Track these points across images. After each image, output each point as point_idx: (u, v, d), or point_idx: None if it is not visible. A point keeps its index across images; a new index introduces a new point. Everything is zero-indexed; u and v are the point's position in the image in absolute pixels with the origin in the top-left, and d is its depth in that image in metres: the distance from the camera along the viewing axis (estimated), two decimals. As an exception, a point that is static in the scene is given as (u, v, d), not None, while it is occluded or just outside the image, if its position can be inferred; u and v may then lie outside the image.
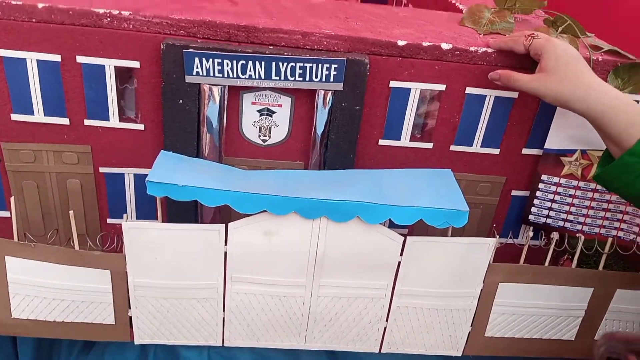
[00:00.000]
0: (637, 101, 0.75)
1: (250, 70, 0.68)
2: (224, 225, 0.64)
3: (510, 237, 0.83)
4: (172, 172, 0.63)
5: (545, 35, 0.69)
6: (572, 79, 0.65)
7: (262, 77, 0.69)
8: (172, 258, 0.65)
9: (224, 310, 0.70)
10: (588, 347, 0.80)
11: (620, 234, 0.83)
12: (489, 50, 0.74)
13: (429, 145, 0.80)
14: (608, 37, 0.84)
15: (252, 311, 0.70)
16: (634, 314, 0.78)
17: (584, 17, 0.92)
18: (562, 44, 0.68)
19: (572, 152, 0.79)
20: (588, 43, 0.79)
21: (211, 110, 0.71)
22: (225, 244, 0.65)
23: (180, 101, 0.70)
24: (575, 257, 0.74)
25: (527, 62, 0.73)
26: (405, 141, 0.79)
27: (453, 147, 0.80)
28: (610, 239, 0.74)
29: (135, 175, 0.77)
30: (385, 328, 0.74)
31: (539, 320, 0.77)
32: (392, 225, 0.72)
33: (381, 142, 0.78)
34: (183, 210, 0.74)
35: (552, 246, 0.73)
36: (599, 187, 0.80)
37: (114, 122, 0.73)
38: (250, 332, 0.72)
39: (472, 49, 0.73)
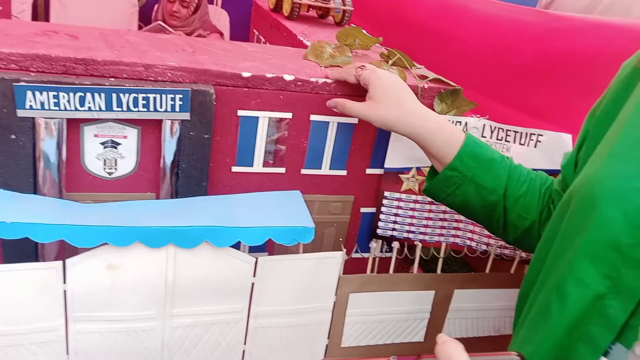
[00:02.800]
0: (460, 122, 0.86)
1: (89, 102, 0.67)
2: (61, 262, 0.61)
3: (357, 250, 0.89)
4: (1, 209, 0.60)
5: (373, 67, 0.77)
6: (396, 106, 0.73)
7: (103, 108, 0.68)
8: (5, 302, 0.61)
9: (67, 353, 0.66)
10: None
11: (458, 240, 0.92)
12: (329, 80, 0.80)
13: (282, 170, 0.84)
14: (440, 69, 0.95)
15: (100, 351, 0.67)
16: (473, 311, 0.86)
17: (419, 51, 1.03)
18: (387, 74, 0.75)
19: (409, 169, 0.88)
20: (417, 73, 0.89)
21: (48, 145, 0.68)
22: (65, 282, 0.62)
23: (13, 136, 0.67)
24: (415, 263, 0.81)
25: (363, 90, 0.80)
26: (258, 167, 0.82)
27: (304, 171, 0.85)
28: (444, 245, 0.82)
29: (-36, 216, 0.71)
30: (244, 351, 0.75)
31: (390, 325, 0.82)
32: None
33: (234, 169, 0.81)
34: (21, 251, 0.70)
35: (394, 255, 0.79)
36: (435, 199, 0.90)
37: (-64, 160, 0.67)
38: (100, 373, 0.69)
39: (312, 79, 0.79)
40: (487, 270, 0.85)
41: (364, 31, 0.93)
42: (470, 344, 0.88)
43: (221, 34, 2.06)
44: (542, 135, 0.84)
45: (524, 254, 0.86)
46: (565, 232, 0.55)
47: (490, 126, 0.87)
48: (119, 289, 0.65)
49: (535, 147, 0.85)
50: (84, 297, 0.63)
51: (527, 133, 0.85)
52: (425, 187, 0.77)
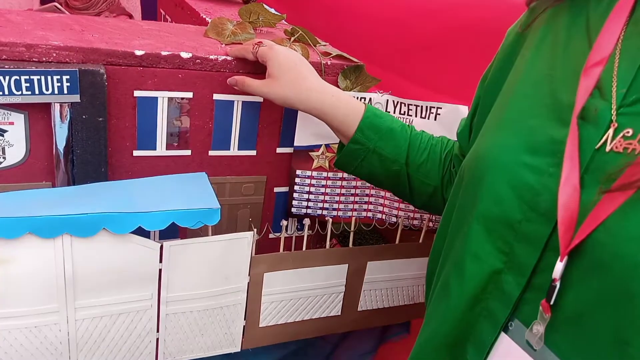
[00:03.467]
0: (364, 98, 0.88)
1: (-36, 87, 0.62)
2: (-59, 259, 0.56)
3: (269, 230, 0.89)
4: None
5: (270, 43, 0.77)
6: (294, 83, 0.73)
7: (-19, 93, 0.63)
8: None
9: (-41, 357, 0.62)
10: (354, 319, 0.89)
11: (369, 214, 0.95)
12: (229, 58, 0.79)
13: (187, 152, 0.82)
14: (344, 46, 0.96)
15: (0, 350, 0.63)
16: (386, 281, 0.89)
17: (324, 28, 1.04)
18: (285, 50, 0.75)
19: (318, 147, 0.89)
20: (320, 50, 0.90)
21: None
22: (-52, 280, 0.58)
23: None
24: (327, 238, 0.82)
25: (264, 68, 0.79)
26: (161, 150, 0.80)
27: (211, 152, 0.84)
28: (353, 219, 0.84)
29: None
30: (157, 339, 0.73)
31: (307, 301, 0.83)
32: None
33: (136, 152, 0.78)
34: None
35: (306, 231, 0.80)
36: (345, 175, 0.91)
37: None
38: (-1, 375, 0.64)
39: (212, 57, 0.77)
40: (397, 241, 0.88)
41: (268, 7, 0.92)
42: (386, 313, 0.92)
43: (130, 15, 1.96)
44: (440, 107, 0.88)
45: (430, 224, 0.90)
46: (460, 207, 0.56)
47: (393, 101, 0.89)
48: (12, 284, 0.61)
49: (435, 119, 0.88)
50: (-29, 295, 0.59)
51: (427, 107, 0.88)
52: (335, 161, 0.79)
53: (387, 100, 0.89)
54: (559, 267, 0.43)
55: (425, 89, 1.01)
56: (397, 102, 0.89)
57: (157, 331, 0.72)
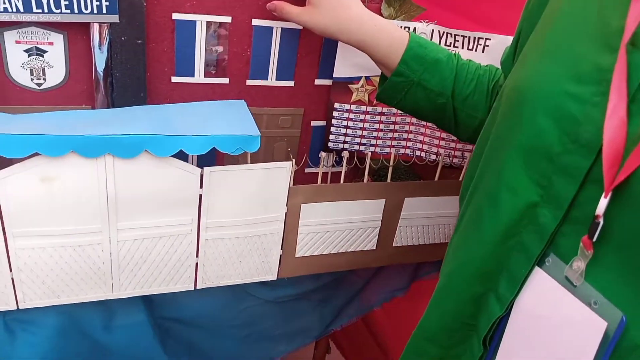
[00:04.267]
0: (408, 28, 0.84)
1: (4, 2, 0.61)
2: (-10, 174, 0.57)
3: (306, 162, 0.88)
4: None
5: None
6: (335, 12, 0.69)
7: (21, 9, 0.62)
8: None
9: (10, 270, 0.64)
10: (388, 255, 0.89)
11: (408, 151, 0.93)
12: (269, -19, 0.75)
13: (225, 81, 0.80)
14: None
15: (45, 267, 0.65)
16: (422, 218, 0.88)
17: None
18: None
19: (358, 79, 0.86)
20: (364, -24, 0.85)
21: (-36, 52, 0.62)
22: (-3, 196, 0.59)
23: None
24: (366, 172, 0.81)
25: (306, -7, 0.76)
26: (199, 77, 0.78)
27: (249, 82, 0.82)
28: (393, 154, 0.82)
29: None
30: (197, 264, 0.74)
31: (343, 234, 0.83)
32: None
33: (174, 79, 0.77)
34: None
35: (344, 164, 0.79)
36: (385, 110, 0.89)
37: None
38: (47, 290, 0.67)
39: (251, -21, 0.74)
40: (437, 179, 0.86)
41: None
42: (421, 250, 0.91)
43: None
44: (489, 38, 0.83)
45: (471, 160, 0.87)
46: (496, 136, 0.53)
47: (439, 31, 0.85)
48: (57, 202, 0.62)
49: (483, 51, 0.84)
50: (21, 211, 0.60)
51: (475, 37, 0.84)
52: (377, 94, 0.76)
53: (432, 31, 0.85)
54: (603, 203, 0.40)
55: (469, 20, 0.96)
56: (443, 33, 0.85)
57: (197, 256, 0.73)
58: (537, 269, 0.47)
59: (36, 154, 0.58)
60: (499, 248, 0.50)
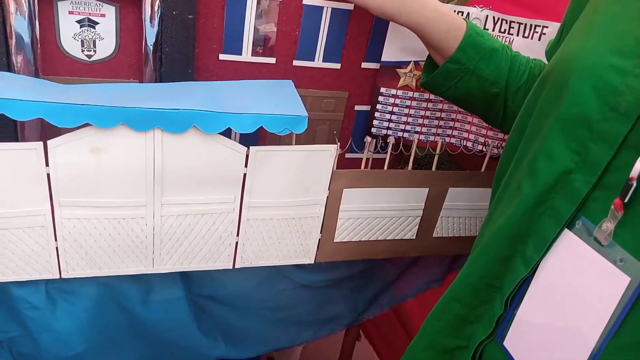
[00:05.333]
0: (462, 12, 0.81)
1: (60, -28, 0.61)
2: (41, 143, 0.58)
3: (352, 148, 0.86)
4: (-30, 84, 0.55)
5: None
6: None
7: (76, -21, 0.62)
8: (-17, 184, 0.58)
9: (56, 240, 0.64)
10: (428, 245, 0.87)
11: (453, 140, 0.90)
12: (323, -42, 0.74)
13: (272, 60, 0.79)
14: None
15: (89, 238, 0.66)
16: (465, 210, 0.86)
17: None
18: None
19: (407, 63, 0.84)
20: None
21: (19, 21, 0.62)
22: (47, 164, 0.59)
23: (-22, 8, 0.60)
24: (411, 160, 0.79)
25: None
26: (247, 56, 0.77)
27: (296, 62, 0.80)
28: (440, 142, 0.80)
29: None
30: (237, 243, 0.74)
31: (383, 222, 0.82)
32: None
33: (222, 56, 0.76)
34: (-2, 133, 0.66)
35: (389, 150, 0.77)
36: (432, 97, 0.86)
37: None
38: (90, 261, 0.67)
39: (305, -44, 0.72)
40: (483, 169, 0.83)
41: None
42: (461, 242, 0.89)
43: None
44: (547, 27, 0.80)
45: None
46: (539, 112, 0.54)
47: (494, 17, 0.82)
48: (104, 174, 0.62)
49: (539, 39, 0.81)
50: (69, 181, 0.61)
51: (531, 25, 0.81)
52: (422, 80, 0.74)
53: (487, 16, 0.82)
54: (638, 166, 0.42)
55: (523, 7, 0.93)
56: (498, 19, 0.82)
57: (237, 235, 0.73)
58: (565, 231, 0.49)
59: (86, 125, 0.58)
60: (531, 212, 0.51)
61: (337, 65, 0.83)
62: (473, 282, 0.57)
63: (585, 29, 0.52)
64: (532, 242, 0.51)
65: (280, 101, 0.69)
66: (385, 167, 0.79)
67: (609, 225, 0.44)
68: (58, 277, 0.67)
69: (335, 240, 0.80)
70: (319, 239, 0.79)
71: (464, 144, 0.89)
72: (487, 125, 0.87)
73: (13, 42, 0.63)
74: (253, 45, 0.77)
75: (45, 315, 0.72)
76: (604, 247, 0.45)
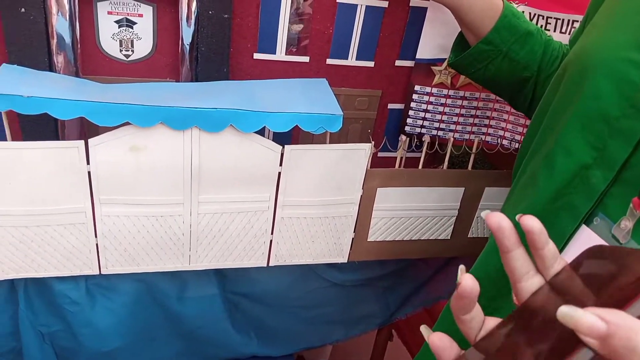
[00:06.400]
0: None
1: (101, -27, 0.62)
2: (82, 141, 0.59)
3: (385, 146, 0.85)
4: (16, 84, 0.57)
5: None
6: None
7: (116, -19, 0.63)
8: (28, 181, 0.59)
9: (96, 236, 0.66)
10: (463, 245, 0.86)
11: (488, 138, 0.89)
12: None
13: (306, 59, 0.79)
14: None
15: (128, 235, 0.67)
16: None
17: None
18: None
19: (442, 61, 0.83)
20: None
21: (60, 21, 0.64)
22: (88, 163, 0.60)
23: (22, 9, 0.62)
24: (446, 158, 0.78)
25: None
26: (281, 54, 0.77)
27: (329, 61, 0.80)
28: (477, 140, 0.79)
29: (-21, 100, 0.68)
30: (271, 241, 0.74)
31: (417, 221, 0.81)
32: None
33: (256, 55, 0.76)
34: (40, 130, 0.68)
35: (425, 149, 0.76)
36: (467, 94, 0.85)
37: (-57, 37, 0.64)
38: (128, 257, 0.69)
39: (339, -47, 0.72)
40: (519, 167, 0.81)
41: None
42: (496, 242, 0.87)
43: None
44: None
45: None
46: (557, 103, 0.54)
47: (529, 13, 0.80)
48: (143, 172, 0.63)
49: (579, 35, 0.78)
50: (109, 179, 0.62)
51: (569, 20, 0.79)
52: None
53: (522, 12, 0.80)
54: None
55: (559, 3, 0.90)
56: (534, 15, 0.80)
57: (271, 233, 0.73)
58: (583, 227, 0.48)
59: (126, 124, 0.59)
60: (549, 207, 0.51)
61: (371, 63, 0.82)
62: (490, 272, 0.57)
63: (606, 20, 0.51)
64: (550, 237, 0.51)
65: (315, 100, 0.69)
66: (420, 166, 0.78)
67: (627, 223, 0.44)
68: (98, 273, 0.68)
69: (368, 240, 0.79)
70: (352, 238, 0.78)
71: (500, 142, 0.87)
72: (523, 122, 0.85)
73: (54, 42, 0.65)
74: (287, 44, 0.77)
75: (84, 310, 0.73)
76: (623, 245, 0.44)
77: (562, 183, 0.49)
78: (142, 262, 0.69)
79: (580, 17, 0.77)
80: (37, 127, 0.67)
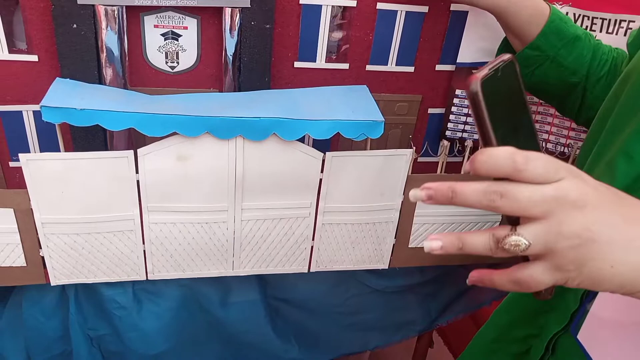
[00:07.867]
0: None
1: (148, -12, 0.64)
2: (132, 151, 0.61)
3: (426, 150, 0.85)
4: (69, 97, 0.59)
5: None
6: None
7: (162, -5, 0.65)
8: (79, 190, 0.61)
9: (143, 243, 0.68)
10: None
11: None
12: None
13: (345, 66, 0.79)
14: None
15: (174, 241, 0.68)
16: (545, 215, 0.82)
17: None
18: None
19: (483, 64, 0.81)
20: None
21: (110, 36, 0.66)
22: (137, 172, 0.62)
23: (74, 25, 0.65)
24: (488, 163, 0.77)
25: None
26: (321, 62, 0.78)
27: (369, 67, 0.80)
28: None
29: (34, 112, 0.71)
30: (312, 247, 0.74)
31: (459, 228, 0.80)
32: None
33: (297, 64, 0.77)
34: (90, 141, 0.70)
35: (467, 153, 0.75)
36: (508, 98, 0.83)
37: (1, 54, 0.67)
38: (174, 263, 0.70)
39: (379, -39, 0.72)
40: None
41: None
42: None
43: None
44: (633, 21, 0.75)
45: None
46: (621, 108, 0.52)
47: (574, 14, 0.79)
48: (189, 180, 0.64)
49: (625, 35, 0.76)
50: (156, 187, 0.64)
51: (616, 20, 0.77)
52: None
53: (567, 13, 0.79)
54: None
55: (606, 2, 0.88)
56: (579, 15, 0.78)
57: (312, 239, 0.74)
58: None
59: (173, 134, 0.61)
60: None
61: (411, 69, 0.82)
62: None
63: None
64: None
65: (356, 107, 0.69)
66: (462, 172, 0.77)
67: None
68: (145, 278, 0.70)
69: (409, 246, 0.79)
70: (393, 244, 0.78)
71: (545, 145, 0.85)
72: (568, 125, 0.83)
73: (104, 56, 0.67)
74: (327, 51, 0.77)
75: (131, 315, 0.75)
76: None
77: (621, 188, 0.48)
78: (187, 267, 0.71)
79: (628, 17, 0.75)
80: (88, 137, 0.69)
